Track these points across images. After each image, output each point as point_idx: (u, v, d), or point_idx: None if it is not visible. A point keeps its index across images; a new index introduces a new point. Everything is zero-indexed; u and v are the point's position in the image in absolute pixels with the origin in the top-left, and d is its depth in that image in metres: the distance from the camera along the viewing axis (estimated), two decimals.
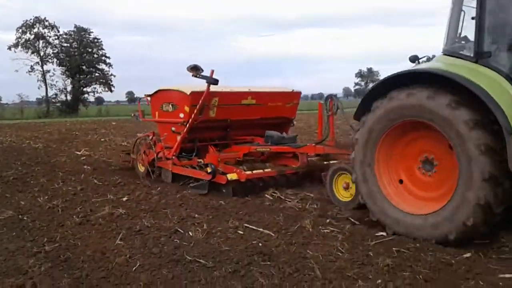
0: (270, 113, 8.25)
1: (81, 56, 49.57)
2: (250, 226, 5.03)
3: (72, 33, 50.41)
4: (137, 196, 6.62)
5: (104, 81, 51.26)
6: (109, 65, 51.81)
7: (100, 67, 51.62)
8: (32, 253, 4.37)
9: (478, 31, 4.50)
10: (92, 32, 51.52)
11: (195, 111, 7.16)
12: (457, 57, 4.76)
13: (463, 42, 4.99)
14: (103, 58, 51.81)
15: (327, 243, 4.40)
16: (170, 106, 7.68)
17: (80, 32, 50.56)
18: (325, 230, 4.84)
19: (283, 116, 8.51)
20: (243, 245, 4.41)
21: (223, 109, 7.58)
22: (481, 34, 4.48)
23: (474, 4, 4.59)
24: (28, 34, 47.63)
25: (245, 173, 6.67)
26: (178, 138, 7.50)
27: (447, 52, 4.93)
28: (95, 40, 51.56)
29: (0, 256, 4.30)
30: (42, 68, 48.35)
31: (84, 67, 50.39)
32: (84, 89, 50.75)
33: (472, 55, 4.56)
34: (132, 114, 9.60)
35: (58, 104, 47.95)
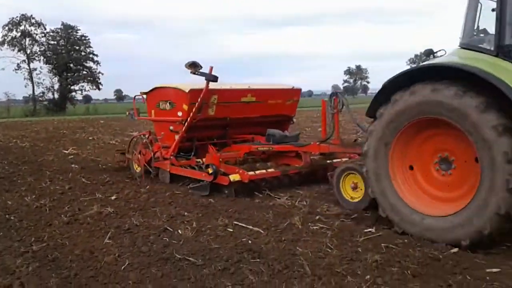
0: (270, 111, 8.05)
1: (68, 54, 49.17)
2: (240, 224, 5.03)
3: (59, 30, 50.02)
4: (126, 194, 6.59)
5: (91, 79, 50.93)
6: (97, 62, 51.50)
7: (87, 65, 51.27)
8: (20, 253, 4.32)
9: (499, 23, 4.27)
10: (79, 29, 51.18)
11: (194, 109, 6.97)
12: (475, 51, 4.52)
13: (482, 35, 4.78)
14: (91, 55, 51.46)
15: (317, 240, 4.41)
16: (168, 104, 7.46)
17: (67, 30, 50.13)
18: (314, 227, 4.86)
19: (283, 114, 8.32)
20: (233, 243, 4.41)
21: (222, 107, 7.39)
22: (502, 27, 4.26)
23: None
24: (14, 32, 47.28)
25: (248, 173, 6.42)
26: (176, 137, 7.29)
27: (465, 46, 4.68)
28: (83, 38, 51.18)
29: None
30: (29, 66, 47.95)
31: (71, 65, 49.99)
32: (72, 87, 50.39)
33: (492, 48, 4.34)
34: (127, 113, 9.29)
35: (45, 103, 47.57)
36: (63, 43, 50.00)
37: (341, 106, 6.48)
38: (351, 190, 5.76)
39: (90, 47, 51.56)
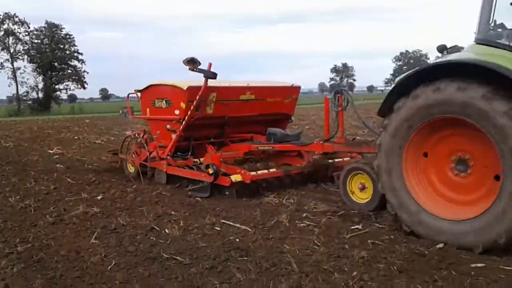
0: (269, 109, 7.85)
1: (52, 53, 48.72)
2: (227, 222, 5.03)
3: (43, 29, 49.56)
4: (112, 194, 6.54)
5: (76, 78, 50.55)
6: (82, 61, 51.14)
7: (72, 63, 50.89)
8: (4, 254, 4.26)
9: None
10: (63, 28, 50.78)
11: (192, 107, 6.74)
12: (493, 46, 4.34)
13: (499, 30, 4.56)
14: (76, 54, 51.09)
15: (304, 237, 4.43)
16: (164, 102, 7.21)
17: (52, 28, 49.66)
18: (302, 224, 4.88)
19: (282, 112, 8.12)
20: (220, 241, 4.41)
21: (220, 105, 7.17)
22: None
23: None
24: None
25: (250, 174, 6.19)
26: (173, 136, 7.06)
27: (481, 41, 4.48)
28: (67, 36, 50.76)
29: None
30: (13, 65, 47.45)
31: (56, 63, 49.54)
32: (56, 86, 49.95)
33: (511, 44, 4.19)
34: (121, 111, 9.08)
35: (29, 102, 47.09)
36: (47, 42, 49.53)
37: (346, 103, 6.24)
38: (359, 191, 5.58)
39: (75, 45, 51.20)
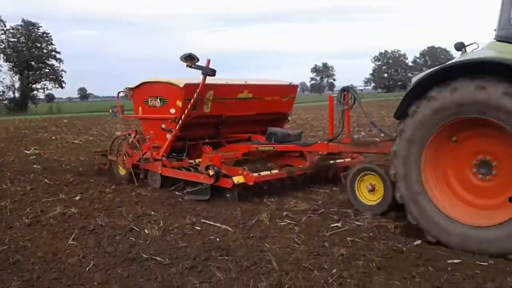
0: (266, 108, 7.60)
1: (29, 51, 47.93)
2: (208, 222, 5.02)
3: (19, 27, 48.69)
4: (90, 195, 6.46)
5: (54, 77, 49.83)
6: (59, 60, 50.46)
7: (49, 62, 50.17)
8: None
9: None
10: (41, 26, 50.04)
11: (189, 106, 6.41)
12: None
13: None
14: (53, 53, 50.39)
15: (284, 236, 4.45)
16: (158, 100, 6.84)
17: (28, 27, 48.84)
18: (282, 223, 4.89)
19: (280, 112, 7.89)
20: (200, 241, 4.39)
21: (218, 104, 6.85)
22: None
23: None
24: None
25: (253, 175, 5.92)
26: (169, 136, 6.71)
27: (502, 38, 4.31)
28: (44, 35, 50.02)
29: None
30: None
31: (33, 62, 48.77)
32: (33, 85, 49.10)
33: None
34: (110, 110, 8.51)
35: (5, 102, 46.13)
36: (23, 40, 48.72)
37: (353, 102, 5.96)
38: (368, 192, 5.33)
39: (52, 44, 50.49)
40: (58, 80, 50.14)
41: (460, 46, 4.77)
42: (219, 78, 6.71)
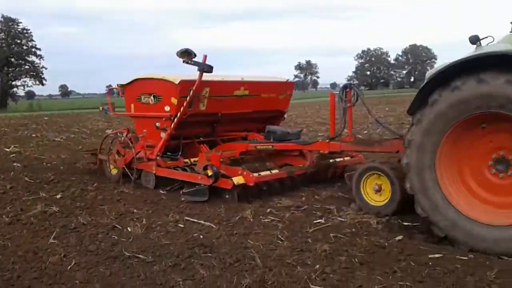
0: (263, 106, 7.39)
1: (9, 48, 47.12)
2: (191, 219, 5.00)
3: None
4: (72, 193, 6.39)
5: (34, 74, 49.05)
6: (40, 57, 49.70)
7: (30, 59, 49.45)
8: None
9: None
10: (20, 22, 49.24)
11: (185, 103, 6.20)
12: None
13: None
14: (33, 49, 49.60)
15: (268, 232, 4.46)
16: (152, 97, 6.58)
17: (8, 23, 48.00)
18: (266, 220, 4.90)
19: (276, 109, 7.70)
20: (184, 238, 4.38)
21: (214, 101, 6.64)
22: None
23: None
24: None
25: (254, 176, 5.71)
26: (163, 135, 6.47)
27: None
28: (24, 31, 49.26)
29: None
30: None
31: (12, 59, 47.93)
32: (13, 82, 48.26)
33: None
34: (101, 108, 8.20)
35: None
36: (3, 37, 47.90)
37: (355, 99, 5.77)
38: (374, 193, 5.15)
39: (33, 40, 49.77)
40: (38, 77, 49.42)
41: (475, 39, 4.61)
42: (215, 75, 6.50)
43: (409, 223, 4.66)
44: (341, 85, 5.85)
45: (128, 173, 6.81)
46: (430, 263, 3.58)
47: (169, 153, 6.69)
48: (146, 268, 3.69)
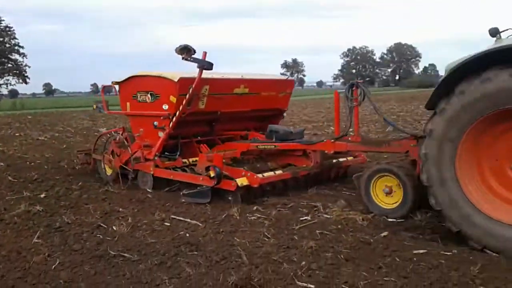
0: (262, 104, 7.19)
1: None
2: (177, 218, 4.98)
3: None
4: (56, 192, 6.32)
5: (17, 72, 48.39)
6: (23, 55, 49.03)
7: (13, 57, 48.72)
8: None
9: None
10: (3, 20, 48.50)
11: (184, 101, 5.99)
12: None
13: None
14: (16, 47, 48.85)
15: (254, 230, 4.46)
16: (149, 95, 6.34)
17: None
18: (252, 217, 4.90)
19: (276, 108, 7.50)
20: (170, 237, 4.36)
21: (213, 99, 6.43)
22: None
23: None
24: None
25: (258, 177, 5.53)
26: (161, 134, 6.24)
27: None
28: (7, 29, 48.53)
29: None
30: None
31: None
32: None
33: None
34: (95, 106, 7.93)
35: None
36: None
37: (362, 98, 5.55)
38: (384, 195, 4.97)
39: (15, 38, 49.02)
40: (21, 75, 48.79)
41: (495, 32, 4.44)
42: (214, 72, 6.28)
43: (394, 220, 4.71)
44: (348, 84, 5.66)
45: (125, 173, 6.61)
46: (415, 259, 3.61)
47: (167, 153, 6.49)
48: (131, 266, 3.67)
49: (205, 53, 5.81)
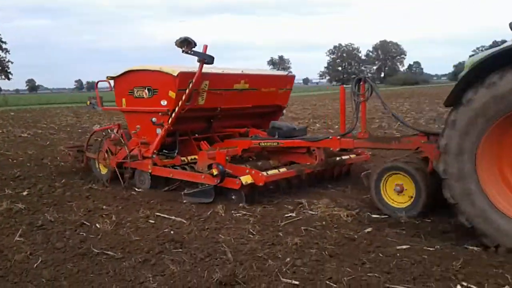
0: (263, 100, 7.03)
1: None
2: (162, 215, 4.95)
3: None
4: (39, 189, 6.24)
5: (0, 68, 47.56)
6: (6, 51, 48.19)
7: None
8: None
9: None
10: None
11: (184, 96, 5.79)
12: None
13: None
14: None
15: (239, 227, 4.45)
16: (146, 91, 6.11)
17: None
18: (237, 214, 4.89)
19: (276, 104, 7.33)
20: (154, 234, 4.33)
21: (213, 95, 6.22)
22: None
23: None
24: None
25: (263, 175, 5.33)
26: (160, 131, 6.03)
27: None
28: None
29: None
30: None
31: None
32: None
33: None
34: (89, 102, 7.80)
35: None
36: None
37: (370, 93, 5.36)
38: (395, 194, 4.84)
39: None
40: (4, 71, 48.04)
41: None
42: (213, 67, 6.08)
43: (378, 216, 4.75)
44: (355, 78, 5.44)
45: (118, 173, 6.41)
46: (398, 254, 3.64)
47: (165, 151, 6.29)
48: (115, 264, 3.64)
49: (206, 46, 5.62)
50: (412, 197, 4.71)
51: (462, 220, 3.86)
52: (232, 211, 5.00)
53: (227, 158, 5.51)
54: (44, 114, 23.63)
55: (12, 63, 48.64)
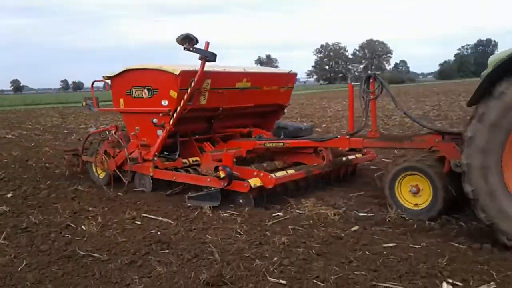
0: (264, 99, 6.82)
1: None
2: (149, 216, 4.92)
3: None
4: (23, 191, 6.17)
5: None
6: None
7: None
8: None
9: None
10: None
11: (186, 96, 5.59)
12: None
13: None
14: None
15: (227, 227, 4.44)
16: (145, 90, 5.91)
17: None
18: (225, 214, 4.88)
19: (277, 103, 7.14)
20: (141, 235, 4.30)
21: (215, 94, 6.00)
22: None
23: None
24: None
25: (273, 177, 5.13)
26: (160, 132, 5.81)
27: None
28: None
29: None
30: None
31: None
32: None
33: None
34: (84, 103, 7.30)
35: None
36: None
37: (380, 91, 5.20)
38: (410, 195, 4.70)
39: None
40: None
41: None
42: (215, 65, 5.86)
43: (365, 214, 4.77)
44: (364, 75, 5.31)
45: (118, 176, 6.24)
46: (385, 252, 3.67)
47: (166, 153, 6.07)
48: (101, 266, 3.60)
49: (207, 43, 5.46)
50: (428, 199, 4.57)
51: (481, 216, 3.74)
52: (220, 211, 4.98)
53: (234, 160, 5.33)
54: (29, 115, 23.37)
55: None
